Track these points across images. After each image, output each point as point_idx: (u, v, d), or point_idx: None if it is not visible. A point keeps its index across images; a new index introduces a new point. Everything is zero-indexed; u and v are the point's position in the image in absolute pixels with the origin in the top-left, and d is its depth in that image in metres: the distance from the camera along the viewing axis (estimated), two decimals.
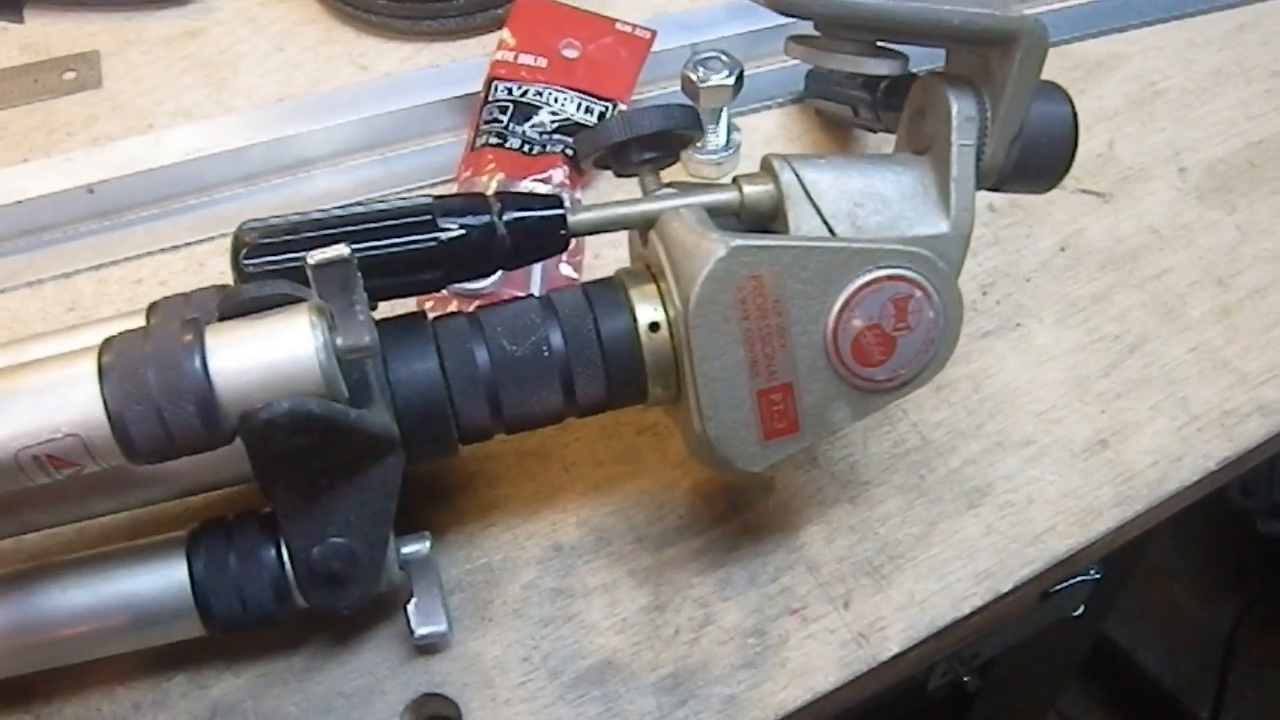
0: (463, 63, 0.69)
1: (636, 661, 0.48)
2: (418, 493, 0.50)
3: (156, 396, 0.37)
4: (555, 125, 0.63)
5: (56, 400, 0.37)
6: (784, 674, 0.48)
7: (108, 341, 0.38)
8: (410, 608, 0.47)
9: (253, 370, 0.38)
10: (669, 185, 0.48)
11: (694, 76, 0.61)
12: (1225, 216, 0.64)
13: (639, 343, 0.45)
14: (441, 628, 0.47)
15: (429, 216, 0.44)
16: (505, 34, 0.66)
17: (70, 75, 0.69)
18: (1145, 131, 0.68)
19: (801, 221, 0.46)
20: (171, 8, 0.73)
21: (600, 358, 0.45)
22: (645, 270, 0.47)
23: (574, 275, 0.59)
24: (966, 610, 0.50)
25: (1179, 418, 0.56)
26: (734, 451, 0.44)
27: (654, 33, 0.67)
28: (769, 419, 0.44)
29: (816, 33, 0.47)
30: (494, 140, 0.62)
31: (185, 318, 0.39)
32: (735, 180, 0.47)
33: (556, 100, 0.63)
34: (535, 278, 0.58)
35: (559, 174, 0.61)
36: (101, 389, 0.37)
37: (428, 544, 0.47)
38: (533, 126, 0.62)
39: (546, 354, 0.45)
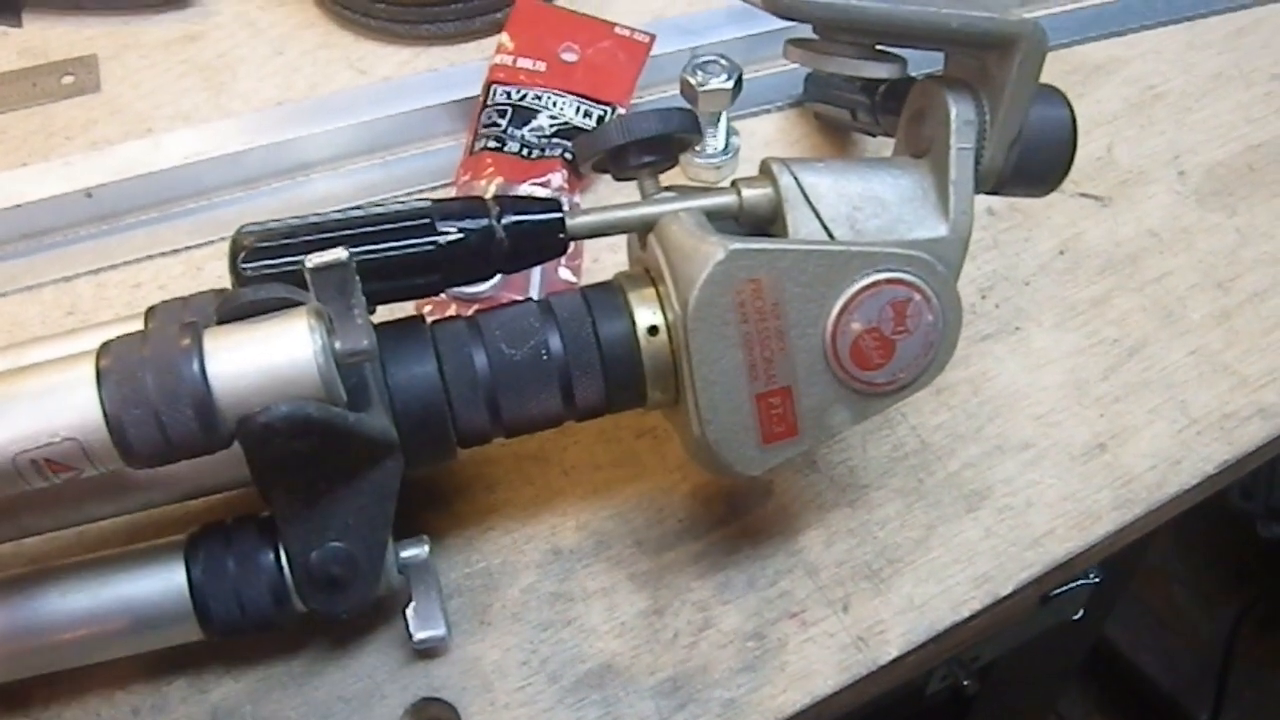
0: (461, 67, 0.69)
1: (636, 665, 0.48)
2: (416, 496, 0.50)
3: (155, 400, 0.37)
4: (554, 129, 0.63)
5: (55, 404, 0.37)
6: (783, 678, 0.48)
7: (106, 345, 0.38)
8: (409, 612, 0.47)
9: (251, 374, 0.38)
10: (668, 189, 0.48)
11: (693, 80, 0.61)
12: (1225, 220, 0.65)
13: (638, 346, 0.45)
14: (440, 632, 0.47)
15: (427, 220, 0.44)
16: (504, 38, 0.66)
17: (69, 79, 0.69)
18: (1144, 135, 0.68)
19: (800, 225, 0.46)
20: (170, 12, 0.73)
21: (599, 361, 0.45)
22: (644, 274, 0.47)
23: (573, 279, 0.59)
24: (966, 614, 0.50)
25: (1178, 421, 0.56)
26: (733, 455, 0.44)
27: (653, 36, 0.67)
28: (768, 422, 0.44)
29: (815, 36, 0.47)
30: (493, 144, 0.62)
31: (183, 321, 0.39)
32: (734, 184, 0.47)
33: (555, 104, 0.63)
34: (534, 281, 0.58)
35: (558, 178, 0.61)
36: (100, 393, 0.37)
37: (426, 548, 0.47)
38: (531, 130, 0.62)
39: (545, 358, 0.45)
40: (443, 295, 0.55)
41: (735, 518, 0.53)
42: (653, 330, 0.45)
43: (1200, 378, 0.58)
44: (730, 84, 0.61)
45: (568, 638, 0.49)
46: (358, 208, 0.45)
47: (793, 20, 0.44)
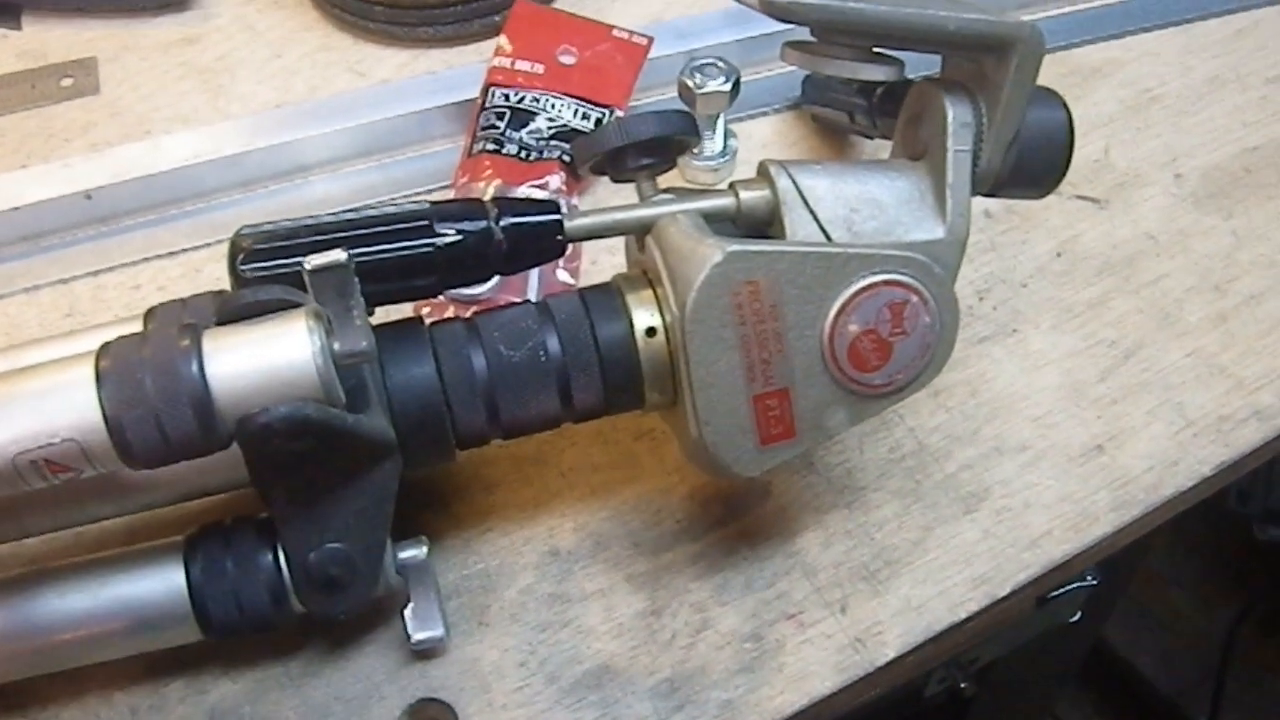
0: (460, 69, 0.69)
1: (633, 666, 0.48)
2: (415, 498, 0.50)
3: (154, 401, 0.37)
4: (552, 131, 0.63)
5: (54, 405, 0.37)
6: (781, 679, 0.48)
7: (105, 347, 0.38)
8: (407, 613, 0.47)
9: (250, 375, 0.38)
10: (666, 191, 0.48)
11: (690, 83, 0.61)
12: (1221, 222, 0.65)
13: (636, 348, 0.45)
14: (439, 633, 0.47)
15: (426, 222, 0.44)
16: (502, 40, 0.66)
17: (68, 81, 0.69)
18: (1141, 137, 0.68)
19: (798, 227, 0.46)
20: (169, 14, 0.73)
21: (597, 363, 0.45)
22: (642, 276, 0.47)
23: (571, 281, 0.59)
24: (963, 615, 0.50)
25: (1175, 423, 0.56)
26: (730, 456, 0.45)
27: (651, 39, 0.67)
28: (765, 424, 0.44)
29: (813, 39, 0.48)
30: (491, 146, 0.62)
31: (183, 323, 0.39)
32: (732, 186, 0.47)
33: (553, 106, 0.64)
34: (532, 283, 0.58)
35: (556, 180, 0.61)
36: (99, 394, 0.37)
37: (425, 549, 0.47)
38: (530, 132, 0.62)
39: (543, 359, 0.45)
40: (441, 297, 0.55)
41: (733, 519, 0.53)
42: (651, 332, 0.45)
43: (1197, 380, 0.58)
44: (728, 86, 0.61)
45: (566, 639, 0.49)
46: (356, 210, 0.45)
47: (789, 23, 0.44)
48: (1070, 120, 0.49)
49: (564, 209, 0.47)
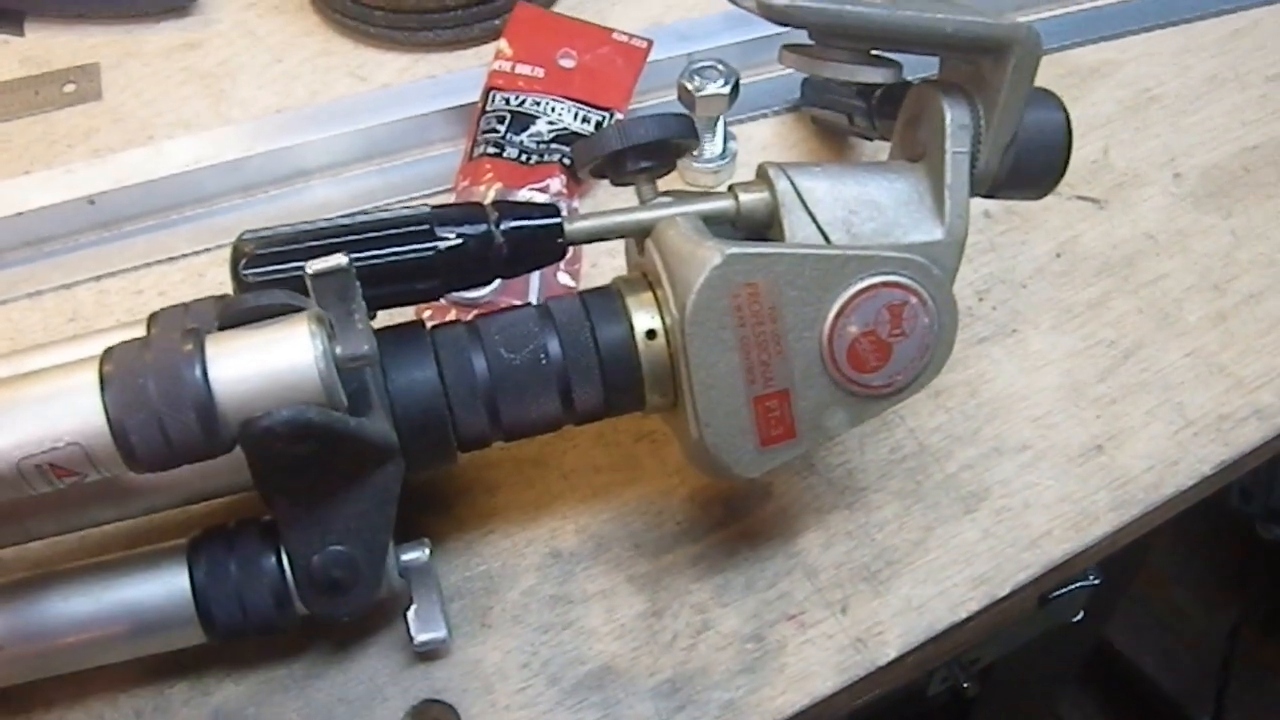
0: (460, 73, 0.70)
1: (635, 667, 0.49)
2: (417, 500, 0.50)
3: (157, 405, 0.37)
4: (552, 135, 0.63)
5: (58, 409, 0.37)
6: (782, 679, 0.49)
7: (108, 351, 0.38)
8: (410, 614, 0.47)
9: (252, 379, 0.38)
10: (665, 194, 0.48)
11: (690, 85, 0.61)
12: (1220, 222, 0.65)
13: (636, 350, 0.45)
14: (441, 634, 0.47)
15: (426, 226, 0.44)
16: (502, 44, 0.66)
17: (71, 87, 0.70)
18: (1140, 138, 0.69)
19: (797, 229, 0.46)
20: (171, 20, 0.74)
21: (598, 365, 0.46)
22: (642, 278, 0.47)
23: (572, 283, 0.59)
24: (963, 615, 0.51)
25: (1175, 422, 0.57)
26: (731, 458, 0.45)
27: (650, 42, 0.67)
28: (765, 425, 0.45)
29: (810, 42, 0.48)
30: (491, 150, 0.62)
31: (185, 327, 0.39)
32: (731, 188, 0.47)
33: (554, 110, 0.64)
34: (533, 286, 0.58)
35: (556, 183, 0.61)
36: (103, 398, 0.37)
37: (427, 551, 0.47)
38: (530, 136, 0.63)
39: (544, 362, 0.45)
40: (442, 300, 0.55)
41: (734, 520, 0.53)
42: (651, 334, 0.45)
43: (1197, 379, 0.58)
44: (727, 89, 0.61)
45: (567, 640, 0.49)
46: (357, 214, 0.45)
47: (788, 26, 0.45)
48: (1068, 121, 0.49)
49: (564, 212, 0.47)
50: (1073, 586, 0.67)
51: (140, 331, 0.43)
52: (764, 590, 0.51)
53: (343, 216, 0.45)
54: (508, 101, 0.64)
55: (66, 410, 0.37)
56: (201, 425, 0.37)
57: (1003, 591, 0.51)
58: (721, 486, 0.54)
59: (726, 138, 0.66)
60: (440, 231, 0.44)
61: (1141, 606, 1.41)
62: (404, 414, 0.44)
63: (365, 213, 0.45)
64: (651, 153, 0.48)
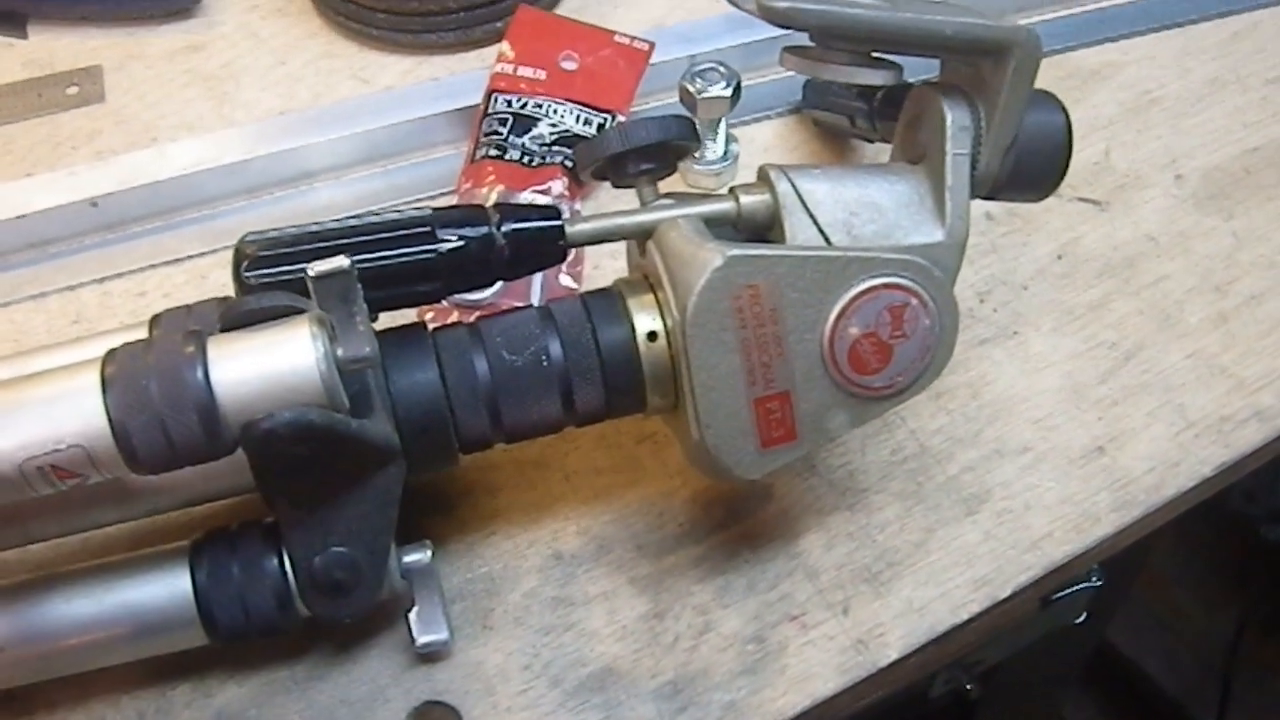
0: (462, 76, 0.70)
1: (637, 669, 0.49)
2: (419, 502, 0.50)
3: (159, 407, 0.37)
4: (554, 137, 0.63)
5: (61, 411, 0.37)
6: (783, 680, 0.49)
7: (111, 353, 0.38)
8: (412, 616, 0.47)
9: (254, 381, 0.38)
10: (666, 196, 0.48)
11: (692, 88, 0.61)
12: (1222, 223, 0.65)
13: (637, 352, 0.46)
14: (443, 636, 0.47)
15: (428, 228, 0.44)
16: (504, 47, 0.66)
17: (74, 90, 0.70)
18: (1141, 139, 0.69)
19: (798, 231, 0.46)
20: (174, 23, 0.74)
21: (599, 367, 0.46)
22: (643, 280, 0.47)
23: (574, 285, 0.60)
24: (965, 616, 0.51)
25: (1176, 424, 0.57)
26: (732, 459, 0.45)
27: (652, 44, 0.67)
28: (766, 427, 0.45)
29: (811, 44, 0.48)
30: (494, 152, 0.62)
31: (188, 329, 0.39)
32: (732, 191, 0.48)
33: (555, 112, 0.64)
34: (535, 288, 0.59)
35: (558, 185, 0.61)
36: (105, 400, 0.37)
37: (429, 553, 0.47)
38: (532, 138, 0.63)
39: (546, 364, 0.45)
40: (444, 302, 0.56)
41: (735, 522, 0.53)
42: (652, 336, 0.45)
43: (1198, 380, 0.58)
44: (729, 91, 0.61)
45: (569, 641, 0.49)
46: (360, 216, 0.45)
47: (788, 28, 0.45)
48: (1068, 123, 0.49)
49: (566, 214, 0.47)
50: (1075, 588, 0.67)
51: (143, 333, 0.43)
52: (765, 592, 0.51)
53: (345, 219, 0.45)
54: (510, 104, 0.64)
55: (69, 412, 0.37)
56: (203, 427, 0.37)
57: (1004, 593, 0.51)
58: (723, 488, 0.54)
59: (728, 140, 0.66)
60: (442, 234, 0.44)
61: (1144, 608, 1.41)
62: (406, 415, 0.44)
63: (367, 215, 0.45)
64: (653, 155, 0.48)
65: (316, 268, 0.39)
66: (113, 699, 0.48)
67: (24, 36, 0.73)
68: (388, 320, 0.46)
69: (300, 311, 0.40)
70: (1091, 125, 0.69)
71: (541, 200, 0.61)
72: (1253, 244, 0.64)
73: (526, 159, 0.62)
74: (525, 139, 0.63)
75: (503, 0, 0.70)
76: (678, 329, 0.44)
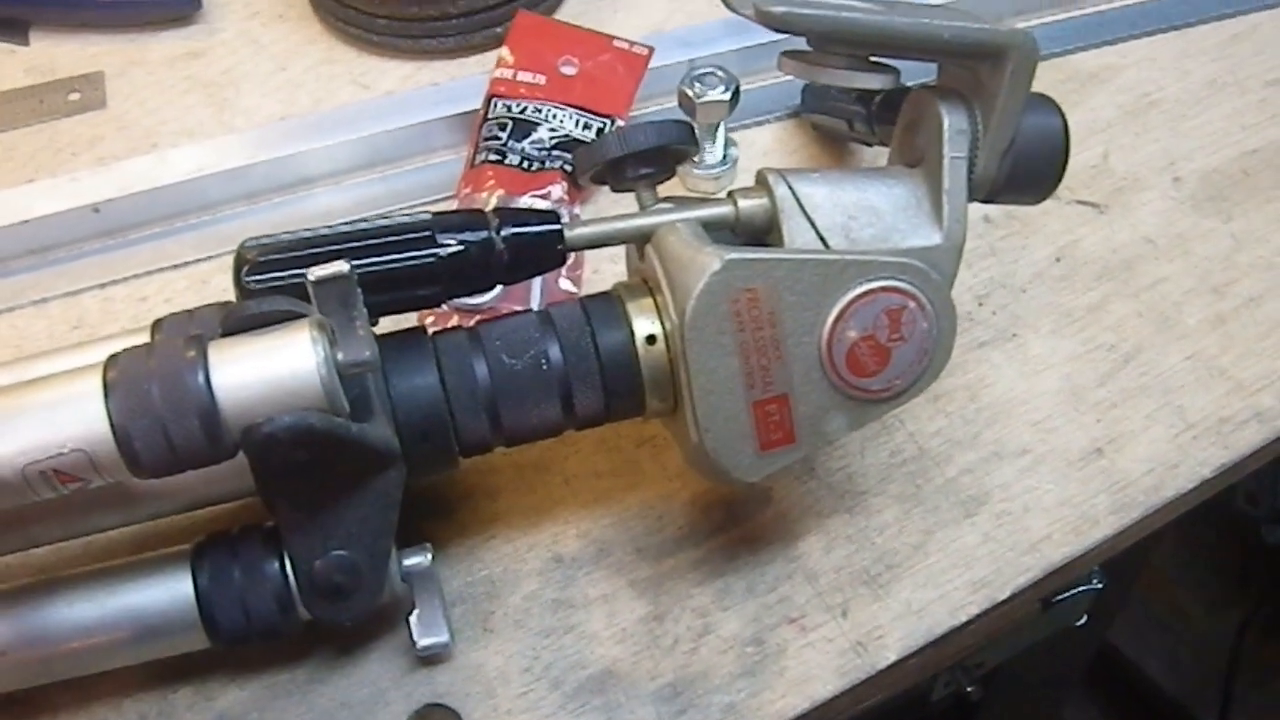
0: (462, 81, 0.70)
1: (636, 671, 0.49)
2: (419, 505, 0.50)
3: (161, 411, 0.37)
4: (554, 141, 0.63)
5: (63, 416, 0.37)
6: (782, 682, 0.49)
7: (113, 358, 0.39)
8: (412, 619, 0.47)
9: (255, 385, 0.38)
10: (665, 200, 0.48)
11: (691, 92, 0.62)
12: (1220, 225, 0.65)
13: (636, 356, 0.46)
14: (443, 639, 0.47)
15: (428, 233, 0.45)
16: (504, 52, 0.67)
17: (75, 96, 0.70)
18: (1139, 142, 0.69)
19: (796, 235, 0.46)
20: (175, 29, 0.74)
21: (598, 371, 0.46)
22: (642, 284, 0.47)
23: (574, 289, 0.60)
24: (964, 619, 0.51)
25: (1175, 425, 0.57)
26: (731, 462, 0.45)
27: (651, 49, 0.67)
28: (765, 430, 0.45)
29: (809, 48, 0.48)
30: (493, 157, 0.62)
31: (189, 334, 0.39)
32: (730, 194, 0.48)
33: (555, 117, 0.64)
34: (535, 292, 0.59)
35: (558, 190, 0.62)
36: (107, 404, 0.37)
37: (429, 556, 0.47)
38: (531, 143, 0.63)
39: (545, 367, 0.45)
40: (444, 306, 0.56)
41: (734, 524, 0.53)
42: (651, 339, 0.46)
43: (1197, 382, 0.58)
44: (727, 95, 0.62)
45: (569, 644, 0.50)
46: (360, 221, 0.45)
47: (786, 32, 0.45)
48: (1066, 127, 0.50)
49: (565, 219, 0.47)
50: (1076, 590, 0.67)
51: (145, 338, 0.44)
52: (764, 594, 0.51)
53: (345, 224, 0.45)
54: (509, 109, 0.64)
55: (71, 416, 0.37)
56: (205, 431, 0.38)
57: (1003, 595, 0.51)
58: (722, 491, 0.54)
59: (727, 144, 0.66)
60: (442, 238, 0.44)
61: (1146, 610, 1.41)
62: (406, 419, 0.44)
63: (367, 220, 0.45)
64: (652, 159, 0.48)
65: (317, 273, 0.39)
66: (115, 702, 0.48)
67: (26, 43, 0.74)
68: (388, 324, 0.46)
69: (301, 316, 0.40)
70: (1090, 128, 0.69)
71: (541, 205, 0.61)
72: (1251, 246, 0.64)
73: (526, 164, 0.62)
74: (525, 144, 0.63)
75: (502, 5, 0.71)
76: (676, 332, 0.44)
